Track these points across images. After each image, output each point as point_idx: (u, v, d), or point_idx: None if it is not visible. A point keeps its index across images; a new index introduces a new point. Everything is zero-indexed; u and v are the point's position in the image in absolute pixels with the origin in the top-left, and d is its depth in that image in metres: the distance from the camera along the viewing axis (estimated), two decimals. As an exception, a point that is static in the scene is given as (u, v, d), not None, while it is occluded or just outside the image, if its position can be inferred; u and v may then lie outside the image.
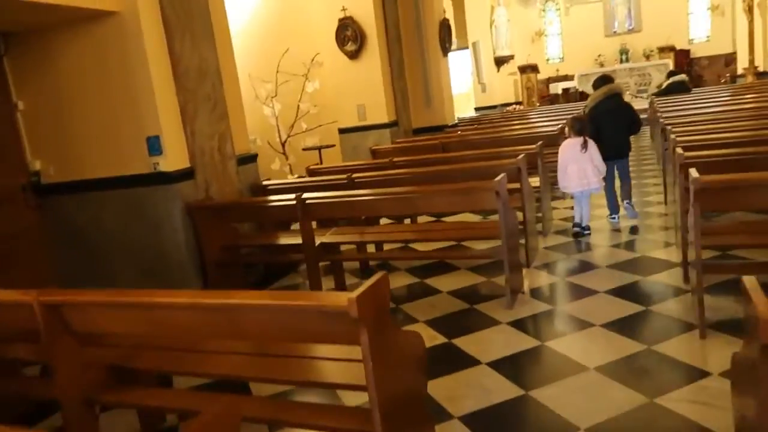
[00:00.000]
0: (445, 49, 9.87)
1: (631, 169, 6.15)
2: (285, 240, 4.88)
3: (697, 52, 18.60)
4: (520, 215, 4.85)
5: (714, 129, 5.51)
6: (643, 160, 9.54)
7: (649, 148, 10.68)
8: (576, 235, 5.66)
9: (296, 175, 8.07)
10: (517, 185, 4.83)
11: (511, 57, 17.06)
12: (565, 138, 5.61)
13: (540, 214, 5.89)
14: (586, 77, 16.91)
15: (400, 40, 9.36)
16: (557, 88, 18.64)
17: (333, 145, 8.83)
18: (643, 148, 10.76)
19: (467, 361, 3.36)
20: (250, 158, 5.76)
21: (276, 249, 5.08)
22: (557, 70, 20.07)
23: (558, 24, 20.90)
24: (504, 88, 17.07)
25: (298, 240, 4.56)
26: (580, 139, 5.41)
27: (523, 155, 4.90)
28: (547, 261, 5.05)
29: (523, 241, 4.83)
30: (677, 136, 4.66)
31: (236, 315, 2.17)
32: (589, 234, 5.64)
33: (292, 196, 4.49)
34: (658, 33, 19.07)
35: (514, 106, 16.45)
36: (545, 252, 5.30)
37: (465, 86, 16.95)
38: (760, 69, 14.11)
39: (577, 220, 5.73)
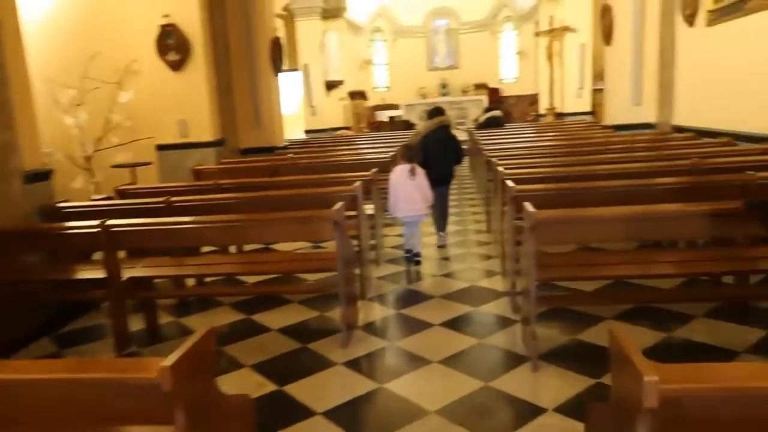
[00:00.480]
0: (276, 68, 9.55)
1: (453, 197, 6.42)
2: (84, 274, 4.11)
3: (506, 91, 20.49)
4: (354, 243, 4.67)
5: (531, 163, 5.87)
6: (464, 190, 10.07)
7: (468, 177, 11.34)
8: (408, 261, 5.68)
9: (102, 196, 7.10)
10: (353, 213, 4.65)
11: (341, 82, 17.25)
12: (397, 164, 5.69)
13: (374, 242, 5.80)
14: (412, 107, 17.71)
15: (228, 54, 8.85)
16: (384, 115, 19.26)
17: (149, 163, 7.98)
18: (463, 177, 11.40)
19: (301, 412, 3.02)
20: (43, 175, 4.86)
21: (72, 284, 4.29)
22: (383, 98, 20.79)
23: (385, 54, 21.73)
24: (334, 112, 17.16)
25: (101, 274, 3.88)
26: (408, 166, 5.54)
27: (359, 183, 4.73)
28: (381, 292, 4.92)
29: (358, 271, 4.65)
30: (505, 169, 4.85)
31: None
32: (420, 262, 5.67)
33: (95, 222, 3.81)
34: (473, 71, 20.71)
35: (343, 130, 16.59)
36: (379, 282, 5.17)
37: (295, 108, 16.71)
38: (558, 110, 15.90)
39: (407, 246, 5.78)
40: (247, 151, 9.25)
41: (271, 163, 7.23)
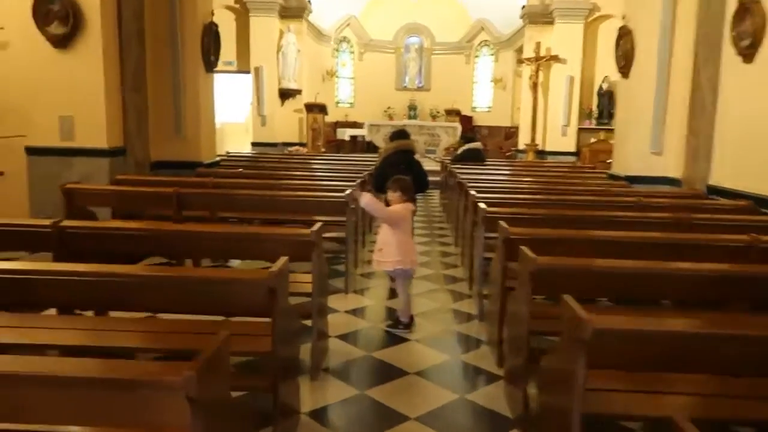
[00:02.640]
0: (210, 63, 7.40)
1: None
2: None
3: (479, 121, 18.84)
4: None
5: (559, 237, 3.94)
6: (434, 232, 8.06)
7: (440, 219, 9.41)
8: (393, 327, 4.36)
9: None
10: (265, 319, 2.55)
11: (299, 92, 15.11)
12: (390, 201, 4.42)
13: (311, 324, 3.67)
14: (376, 128, 15.79)
15: (142, 37, 6.65)
16: (345, 134, 17.22)
17: (1, 173, 5.70)
18: (433, 216, 9.47)
19: None
20: None
21: None
22: (346, 115, 18.79)
23: (351, 67, 19.80)
24: (288, 124, 14.96)
25: None
26: (410, 206, 4.40)
27: (281, 263, 2.62)
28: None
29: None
30: (530, 251, 2.85)
31: None
32: (409, 330, 4.27)
33: None
34: (445, 95, 19.00)
35: (297, 147, 14.45)
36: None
37: (242, 116, 14.51)
38: (539, 147, 14.24)
39: (404, 317, 4.38)
40: (159, 166, 7.03)
41: (176, 190, 5.06)
